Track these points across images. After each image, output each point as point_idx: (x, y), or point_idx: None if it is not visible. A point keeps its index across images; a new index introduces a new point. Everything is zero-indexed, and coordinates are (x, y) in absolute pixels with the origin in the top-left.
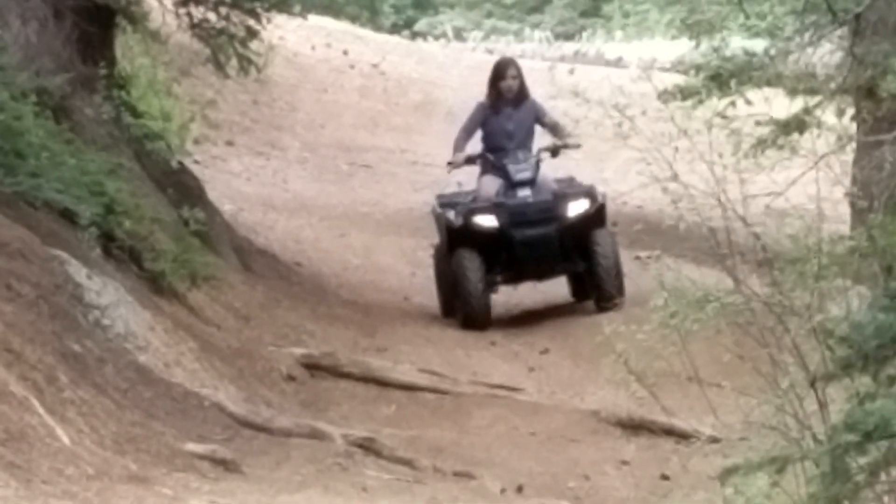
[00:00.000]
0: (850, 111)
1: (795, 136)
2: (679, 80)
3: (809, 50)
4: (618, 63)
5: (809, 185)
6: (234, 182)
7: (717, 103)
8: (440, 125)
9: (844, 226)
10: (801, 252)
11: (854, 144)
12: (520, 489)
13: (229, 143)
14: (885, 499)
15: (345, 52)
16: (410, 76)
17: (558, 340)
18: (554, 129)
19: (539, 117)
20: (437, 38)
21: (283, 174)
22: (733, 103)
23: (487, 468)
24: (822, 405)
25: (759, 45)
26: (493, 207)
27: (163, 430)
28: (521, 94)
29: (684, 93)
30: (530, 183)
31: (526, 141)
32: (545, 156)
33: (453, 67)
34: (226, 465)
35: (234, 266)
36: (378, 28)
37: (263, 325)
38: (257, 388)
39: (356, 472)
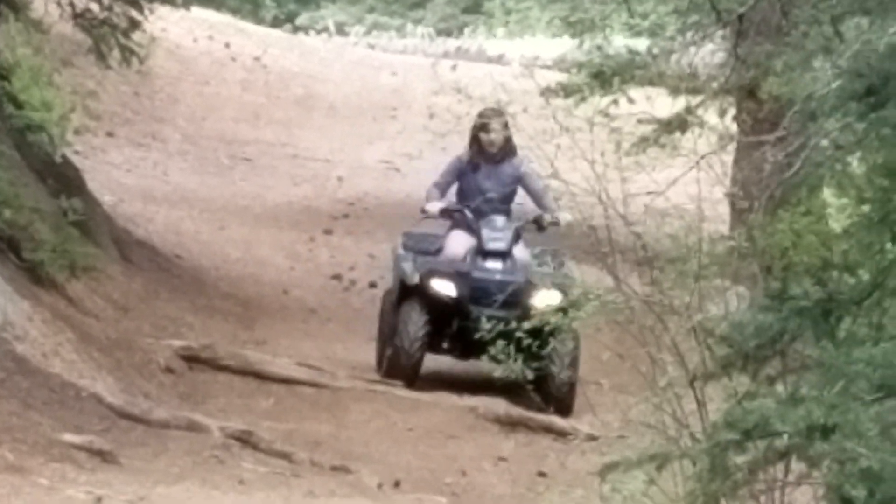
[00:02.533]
0: (732, 111)
1: (677, 135)
2: (561, 77)
3: (692, 49)
4: (500, 60)
5: (690, 185)
6: (114, 173)
7: (599, 101)
8: (321, 119)
9: (724, 226)
10: (680, 251)
11: (735, 144)
12: (397, 484)
13: (110, 134)
14: (762, 498)
15: (227, 45)
16: (292, 70)
17: None
18: (537, 197)
19: (523, 179)
20: (318, 32)
21: (164, 166)
22: (615, 101)
23: (365, 463)
24: (701, 404)
25: (641, 43)
26: (456, 275)
27: (40, 421)
28: (507, 150)
29: (567, 90)
30: (503, 255)
31: (503, 203)
32: (530, 227)
33: (335, 62)
34: (103, 456)
35: (113, 257)
36: (260, 21)
37: (142, 317)
38: (135, 380)
39: (233, 465)
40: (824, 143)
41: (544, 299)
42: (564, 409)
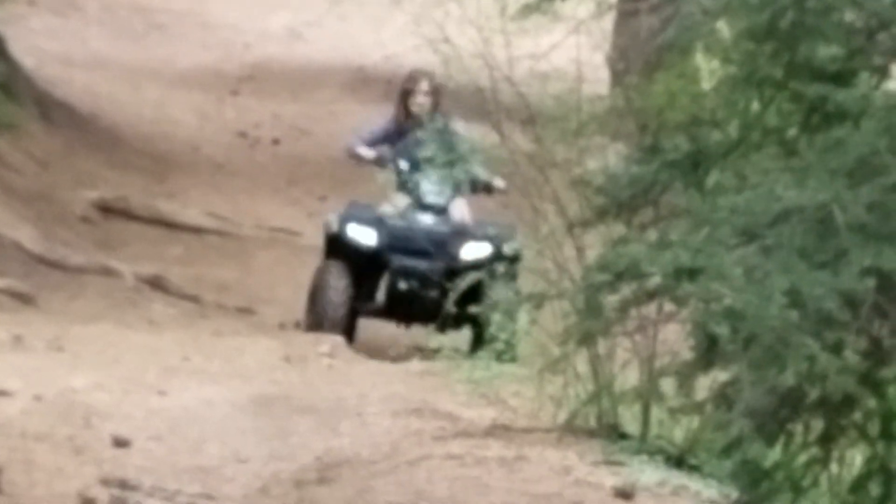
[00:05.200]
0: None
1: (558, 2)
2: None
3: None
4: None
5: (571, 50)
6: (35, 39)
7: None
8: None
9: (603, 87)
10: (562, 111)
11: (614, 12)
12: (297, 325)
13: (31, 3)
14: (636, 336)
15: None
16: None
17: (337, 188)
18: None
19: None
20: None
21: (82, 33)
22: None
23: (268, 305)
24: (579, 250)
25: None
26: (377, 222)
27: None
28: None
29: None
30: (441, 210)
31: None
32: (464, 190)
33: None
34: (23, 299)
35: (34, 116)
36: None
37: (61, 171)
38: (54, 229)
39: (145, 307)
40: (694, 9)
41: (473, 251)
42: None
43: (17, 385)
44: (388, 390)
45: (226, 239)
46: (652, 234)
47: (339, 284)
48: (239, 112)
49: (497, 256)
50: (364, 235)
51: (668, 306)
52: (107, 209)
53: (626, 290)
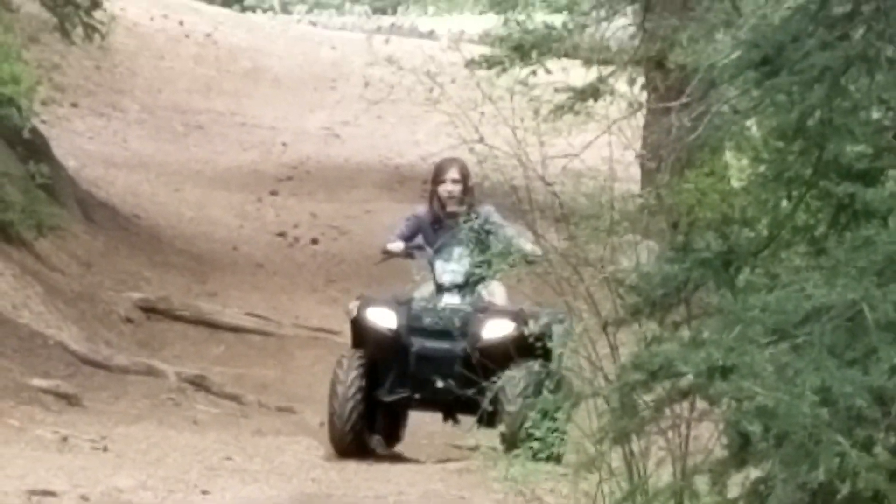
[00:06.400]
0: (641, 80)
1: (591, 102)
2: (485, 50)
3: (604, 24)
4: (430, 35)
5: (603, 148)
6: (77, 140)
7: (519, 72)
8: (267, 90)
9: (635, 185)
10: (595, 209)
11: (644, 111)
12: (321, 424)
13: (74, 105)
14: (670, 434)
15: (180, 23)
16: (240, 45)
17: (374, 287)
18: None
19: (493, 232)
20: (265, 10)
21: (123, 134)
22: (534, 72)
23: (308, 404)
24: (613, 348)
25: (558, 19)
26: (395, 305)
27: (10, 367)
28: (468, 202)
29: (489, 62)
30: (460, 288)
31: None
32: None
33: (279, 38)
34: (68, 399)
35: (77, 217)
36: (211, 1)
37: (104, 272)
38: (98, 329)
39: (188, 407)
40: (725, 108)
41: (494, 329)
42: (510, 443)
43: (64, 485)
44: (427, 488)
45: (266, 338)
46: (685, 333)
47: (348, 377)
48: (278, 212)
49: (521, 335)
50: (383, 318)
51: (701, 404)
52: (149, 309)
53: (660, 388)
